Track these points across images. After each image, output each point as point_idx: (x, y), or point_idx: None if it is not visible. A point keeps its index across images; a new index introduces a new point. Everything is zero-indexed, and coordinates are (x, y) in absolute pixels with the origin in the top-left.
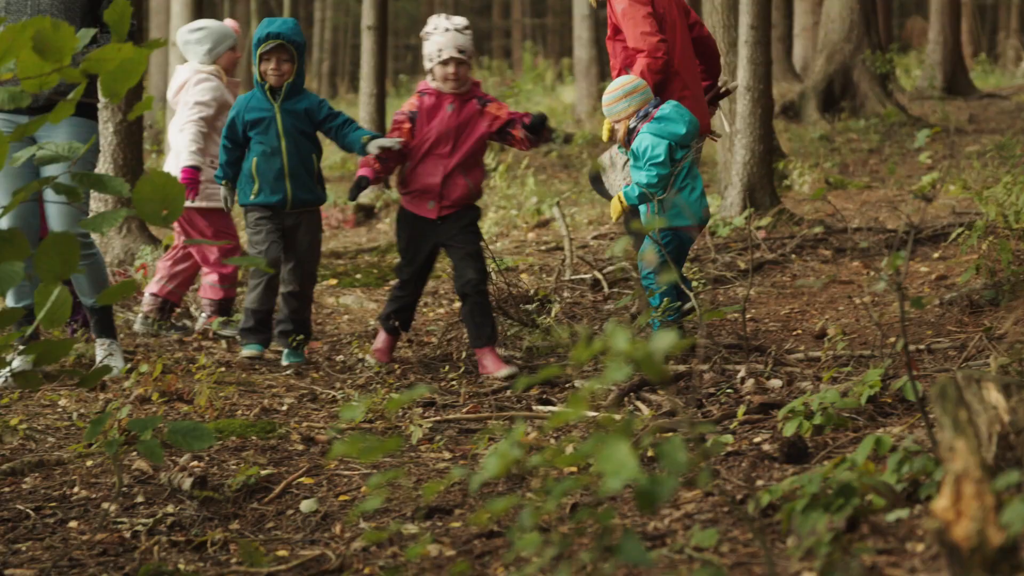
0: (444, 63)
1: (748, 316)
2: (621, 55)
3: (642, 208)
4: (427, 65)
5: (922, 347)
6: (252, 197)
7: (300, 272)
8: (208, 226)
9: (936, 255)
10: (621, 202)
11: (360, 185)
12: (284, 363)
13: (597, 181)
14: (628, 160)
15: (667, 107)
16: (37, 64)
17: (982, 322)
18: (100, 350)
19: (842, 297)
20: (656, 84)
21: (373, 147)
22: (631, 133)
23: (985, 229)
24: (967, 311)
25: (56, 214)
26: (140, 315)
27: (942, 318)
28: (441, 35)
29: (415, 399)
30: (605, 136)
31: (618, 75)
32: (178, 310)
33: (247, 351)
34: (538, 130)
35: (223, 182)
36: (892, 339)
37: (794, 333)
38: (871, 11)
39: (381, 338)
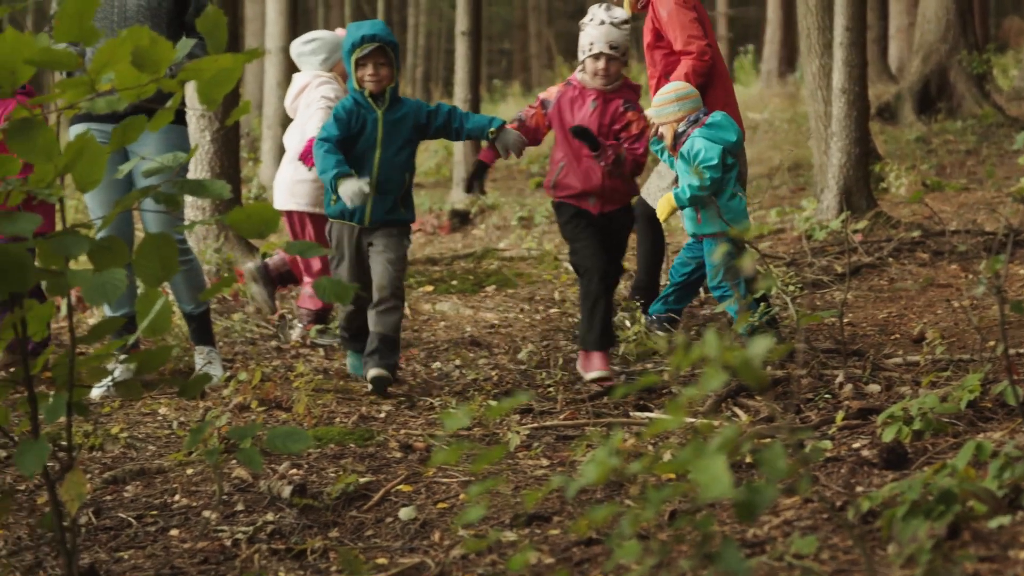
0: (595, 57)
1: (845, 320)
2: (661, 63)
3: (687, 213)
4: (579, 56)
5: (1022, 351)
6: (332, 205)
7: (381, 292)
8: (316, 234)
9: None
10: (671, 203)
11: (478, 171)
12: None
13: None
14: (675, 175)
15: (718, 115)
16: (135, 76)
17: None
18: (199, 358)
19: (940, 301)
20: (699, 88)
21: (500, 148)
22: (679, 137)
23: None
24: None
25: (152, 223)
26: (299, 328)
27: None
28: (595, 27)
29: (515, 406)
30: (652, 135)
31: (657, 83)
32: (279, 316)
33: (373, 372)
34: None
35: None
36: (992, 343)
37: (892, 337)
38: (967, 11)
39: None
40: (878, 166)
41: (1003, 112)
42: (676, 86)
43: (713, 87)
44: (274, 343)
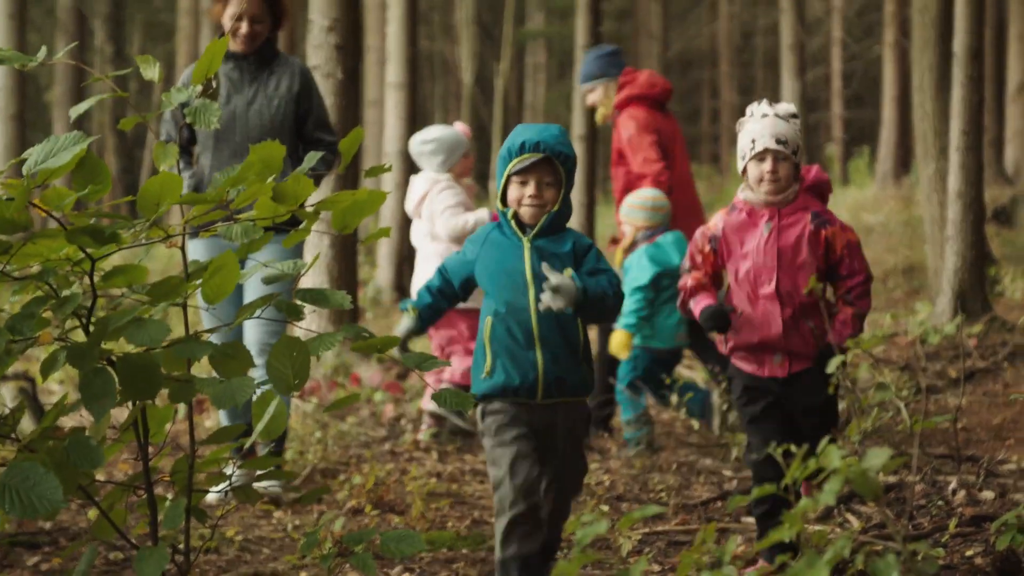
0: (759, 158)
1: (960, 426)
2: (623, 179)
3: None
4: (739, 166)
5: None
6: (484, 376)
7: (557, 491)
8: (468, 328)
9: None
10: (623, 334)
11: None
12: None
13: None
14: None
15: (670, 236)
16: (271, 207)
17: None
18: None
19: None
20: None
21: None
22: (634, 245)
23: None
24: None
25: (256, 330)
26: (429, 432)
27: None
28: (757, 122)
29: (647, 516)
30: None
31: (620, 199)
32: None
33: None
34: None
35: (409, 308)
36: None
37: (1007, 443)
38: None
39: None
40: (993, 269)
41: None
42: (655, 195)
43: (673, 195)
44: (388, 446)
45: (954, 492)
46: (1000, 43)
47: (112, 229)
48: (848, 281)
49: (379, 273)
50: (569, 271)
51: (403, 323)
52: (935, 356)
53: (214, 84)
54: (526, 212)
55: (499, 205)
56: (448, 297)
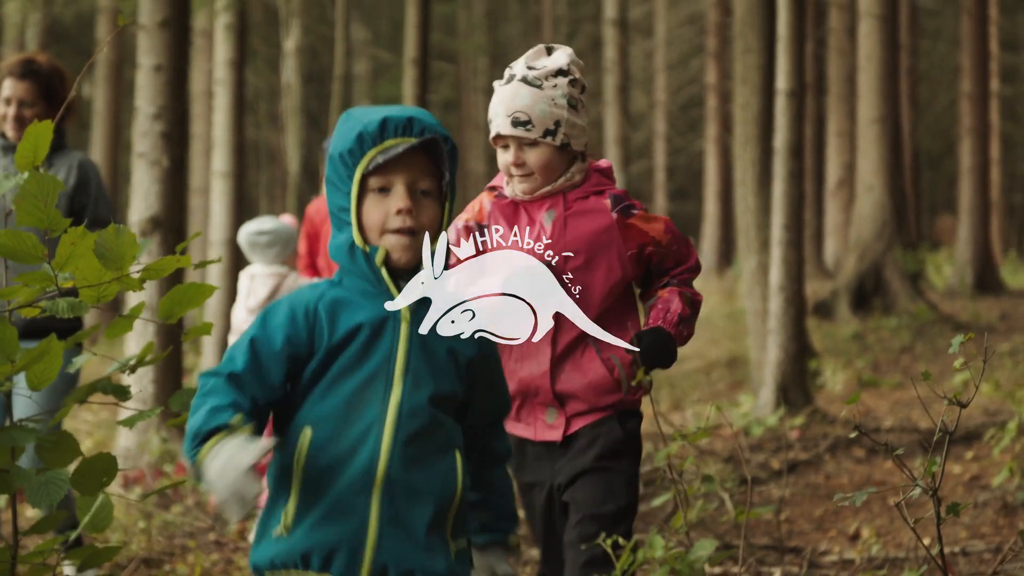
0: (500, 144)
1: (783, 517)
2: None
3: None
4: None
5: (957, 550)
6: (278, 535)
7: None
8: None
9: (969, 455)
10: None
11: None
12: None
13: None
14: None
15: None
16: (97, 271)
17: (1017, 524)
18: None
19: (876, 498)
20: None
21: None
22: None
23: (1018, 430)
24: (1002, 513)
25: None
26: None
27: (976, 519)
28: (498, 91)
29: None
30: None
31: None
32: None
33: None
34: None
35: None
36: (927, 541)
37: (829, 534)
38: (902, 210)
39: None
40: (814, 362)
41: (936, 309)
42: None
43: None
44: (213, 536)
45: None
46: (819, 139)
47: None
48: (674, 271)
49: (203, 361)
50: None
51: (227, 467)
52: (758, 448)
53: None
54: (395, 246)
55: (356, 239)
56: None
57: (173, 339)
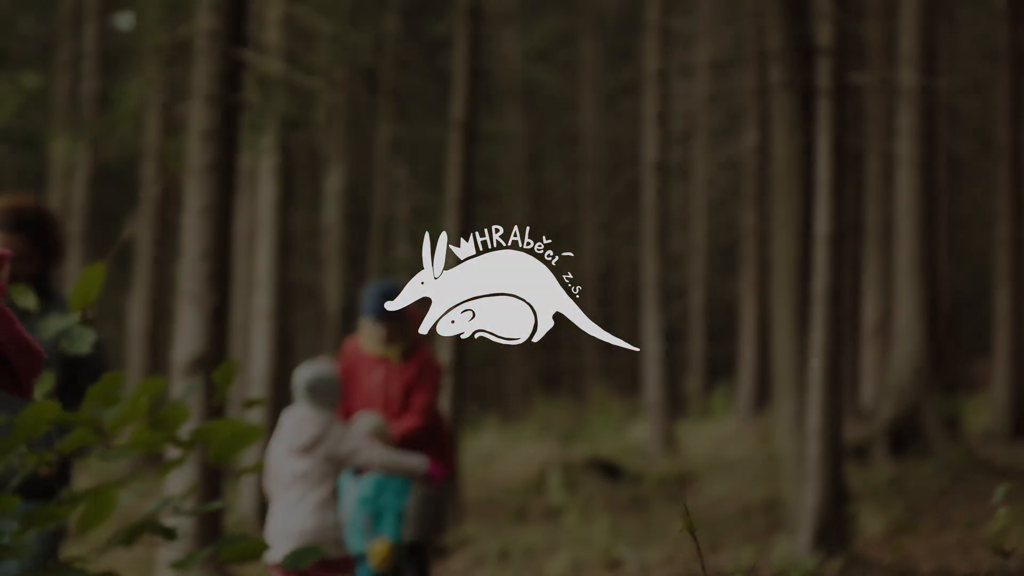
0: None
1: None
2: None
3: None
4: None
5: None
6: None
7: None
8: None
9: None
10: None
11: None
12: None
13: None
14: None
15: None
16: (149, 435)
17: None
18: None
19: None
20: None
21: None
22: None
23: None
24: None
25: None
26: None
27: None
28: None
29: None
30: None
31: None
32: None
33: None
34: None
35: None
36: None
37: None
38: (940, 354)
39: None
40: (852, 506)
41: (974, 454)
42: None
43: None
44: None
45: None
46: (856, 282)
47: None
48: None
49: (243, 501)
50: None
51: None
52: None
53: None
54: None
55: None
56: None
57: (212, 477)
